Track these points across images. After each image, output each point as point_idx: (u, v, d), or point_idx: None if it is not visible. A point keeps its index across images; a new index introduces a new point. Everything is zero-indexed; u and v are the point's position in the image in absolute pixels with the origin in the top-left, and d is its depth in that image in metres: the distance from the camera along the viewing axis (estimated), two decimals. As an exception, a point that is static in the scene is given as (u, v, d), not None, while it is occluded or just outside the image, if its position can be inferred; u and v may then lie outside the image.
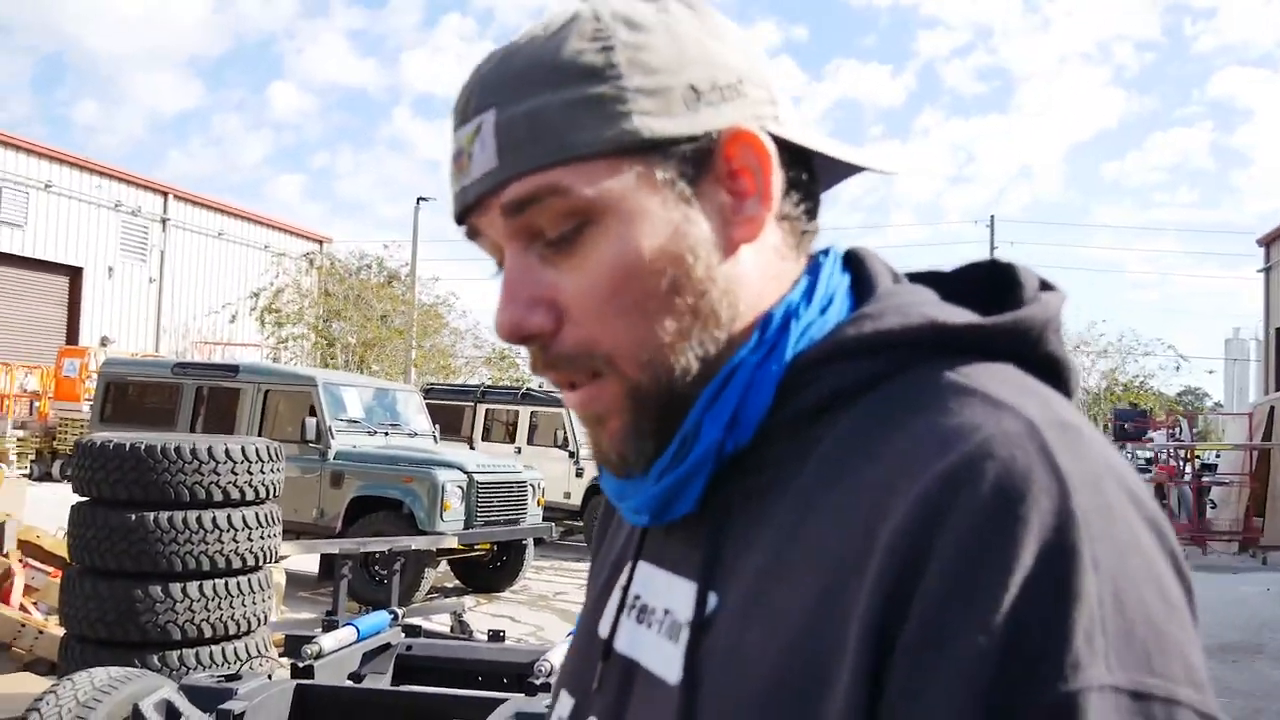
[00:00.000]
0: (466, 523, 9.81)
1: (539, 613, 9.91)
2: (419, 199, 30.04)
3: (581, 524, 14.58)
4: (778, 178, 0.71)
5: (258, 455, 4.87)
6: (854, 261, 0.78)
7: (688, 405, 0.71)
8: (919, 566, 0.55)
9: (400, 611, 4.26)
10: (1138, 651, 0.53)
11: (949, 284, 0.76)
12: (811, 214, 0.76)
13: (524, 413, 15.46)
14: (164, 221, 29.29)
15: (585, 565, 13.23)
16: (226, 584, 4.67)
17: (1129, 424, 22.20)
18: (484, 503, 10.06)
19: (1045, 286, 0.72)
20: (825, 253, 0.78)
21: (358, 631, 3.89)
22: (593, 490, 14.30)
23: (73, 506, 4.76)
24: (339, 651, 3.76)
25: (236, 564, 4.69)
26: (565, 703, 0.81)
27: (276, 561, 5.13)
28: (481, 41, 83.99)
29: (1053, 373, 0.69)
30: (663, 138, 0.68)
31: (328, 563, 9.87)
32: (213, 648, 4.66)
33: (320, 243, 32.17)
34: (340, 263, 28.46)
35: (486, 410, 15.89)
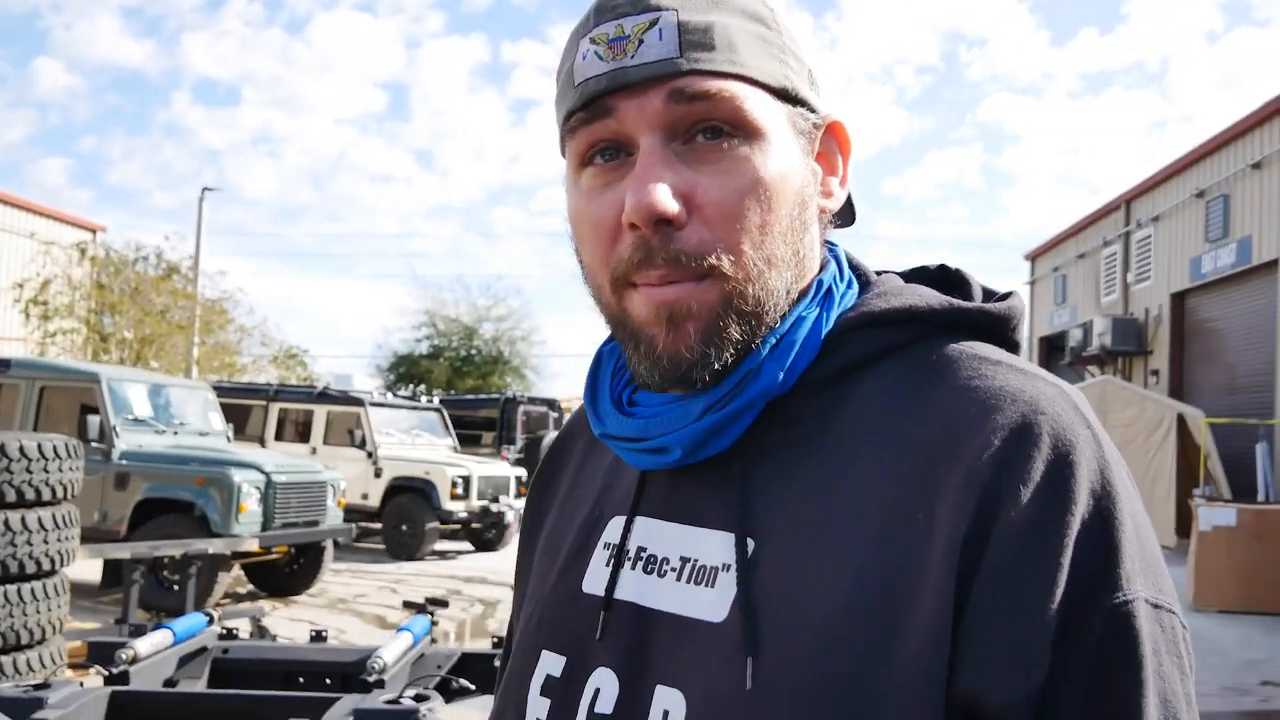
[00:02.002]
0: (264, 524, 9.46)
1: (340, 616, 9.66)
2: (204, 189, 28.75)
3: (380, 525, 14.26)
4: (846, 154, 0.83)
5: (55, 453, 4.57)
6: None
7: (758, 337, 0.76)
8: (995, 504, 0.66)
9: (216, 614, 4.10)
10: (1151, 573, 0.68)
11: (906, 279, 0.87)
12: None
13: (319, 412, 15.00)
14: (-87, 203, 26.88)
15: (383, 566, 13.00)
16: (19, 590, 4.37)
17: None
18: (282, 504, 9.72)
19: (986, 289, 0.86)
20: (832, 245, 0.87)
21: (174, 635, 3.72)
22: (392, 491, 14.03)
23: None
24: (154, 656, 3.59)
25: (30, 569, 4.40)
26: (551, 660, 0.82)
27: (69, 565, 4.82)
28: (270, 28, 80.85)
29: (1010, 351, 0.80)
30: (806, 100, 0.79)
31: (112, 569, 9.34)
32: (2, 658, 4.35)
33: (93, 231, 30.26)
34: (116, 254, 26.82)
35: (280, 409, 15.33)
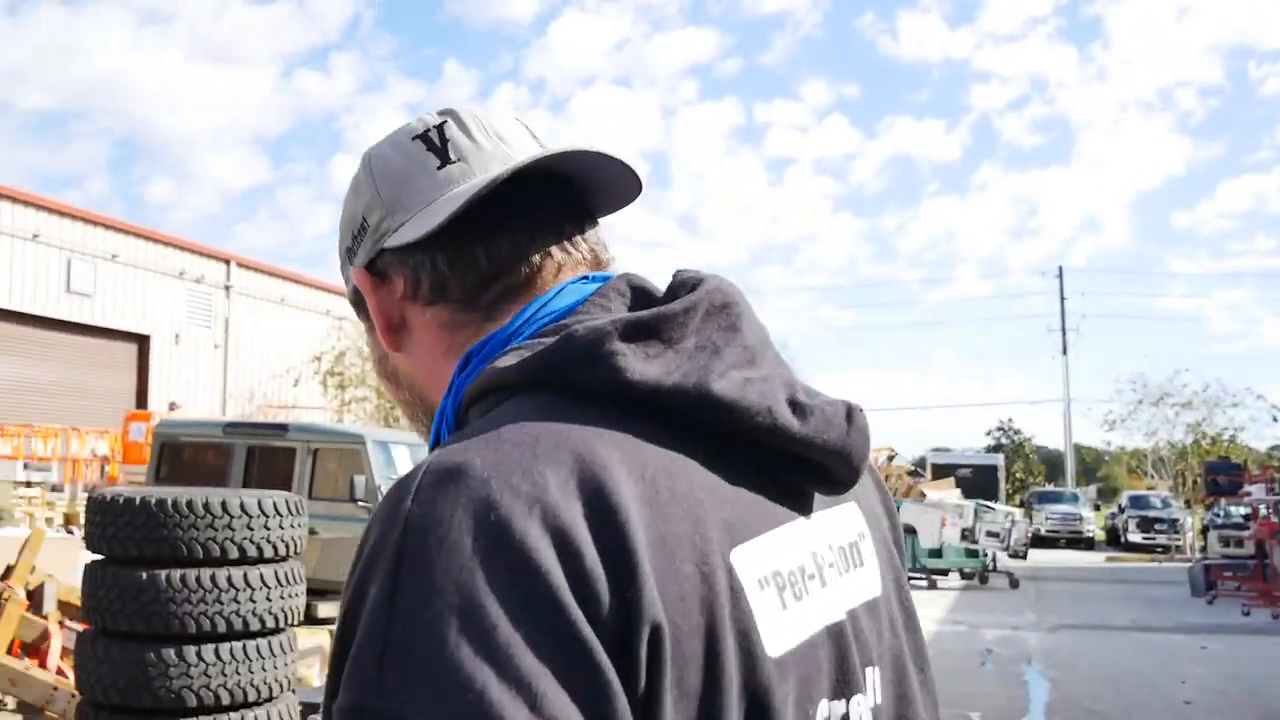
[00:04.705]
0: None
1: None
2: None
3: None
4: (377, 300, 0.93)
5: (275, 509, 4.60)
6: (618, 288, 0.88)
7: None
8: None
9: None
10: (370, 676, 0.61)
11: (663, 297, 0.86)
12: (488, 276, 0.89)
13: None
14: (227, 289, 29.76)
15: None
16: (245, 647, 4.40)
17: (1222, 477, 20.59)
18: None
19: (691, 287, 0.84)
20: (517, 330, 0.87)
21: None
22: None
23: (86, 565, 4.55)
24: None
25: (255, 626, 4.43)
26: None
27: (299, 623, 4.85)
28: (535, 109, 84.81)
29: (606, 393, 0.74)
30: (350, 289, 0.99)
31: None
32: (231, 715, 4.39)
33: (382, 305, 32.50)
34: (401, 324, 28.59)
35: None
